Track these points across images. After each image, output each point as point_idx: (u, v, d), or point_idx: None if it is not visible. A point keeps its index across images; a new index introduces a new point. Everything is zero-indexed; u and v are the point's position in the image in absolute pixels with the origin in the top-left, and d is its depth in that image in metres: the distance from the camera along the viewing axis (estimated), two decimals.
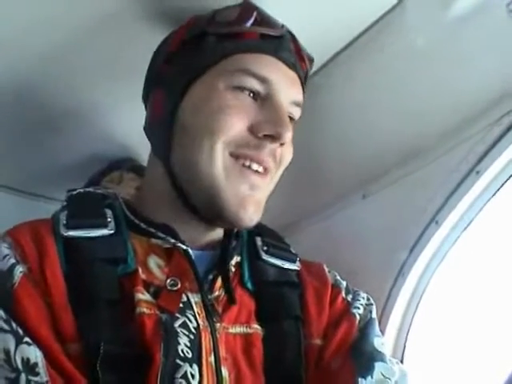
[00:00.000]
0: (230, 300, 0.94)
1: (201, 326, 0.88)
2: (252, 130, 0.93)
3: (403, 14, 1.13)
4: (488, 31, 1.07)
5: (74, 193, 1.01)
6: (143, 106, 1.08)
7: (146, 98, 1.06)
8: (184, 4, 1.07)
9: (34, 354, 0.78)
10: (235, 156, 0.94)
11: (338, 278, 1.08)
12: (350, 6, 1.12)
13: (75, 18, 1.08)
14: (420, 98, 1.20)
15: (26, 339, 0.79)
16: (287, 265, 1.04)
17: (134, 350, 0.83)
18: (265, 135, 0.93)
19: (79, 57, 1.17)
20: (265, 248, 1.03)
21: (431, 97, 1.18)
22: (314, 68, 1.14)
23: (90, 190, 1.04)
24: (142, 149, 1.35)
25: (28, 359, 0.77)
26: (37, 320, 0.81)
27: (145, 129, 1.05)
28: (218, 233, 1.02)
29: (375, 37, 1.18)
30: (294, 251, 1.08)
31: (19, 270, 0.85)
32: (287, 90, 0.97)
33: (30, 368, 0.77)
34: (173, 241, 0.93)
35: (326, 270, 1.08)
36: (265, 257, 1.02)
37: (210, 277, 0.95)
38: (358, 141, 1.33)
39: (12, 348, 0.78)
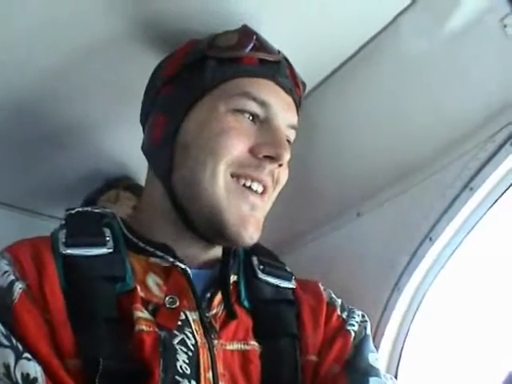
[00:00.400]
0: (231, 315, 0.98)
1: (199, 343, 0.92)
2: (252, 151, 1.00)
3: (396, 32, 1.19)
4: (481, 47, 1.13)
5: (73, 212, 1.05)
6: (140, 125, 1.13)
7: (144, 120, 1.12)
8: (178, 28, 1.13)
9: (34, 369, 0.81)
10: (236, 176, 1.00)
11: (333, 295, 1.12)
12: (343, 26, 1.18)
13: (75, 38, 1.14)
14: (413, 116, 1.25)
15: (26, 354, 0.82)
16: (283, 283, 1.09)
17: (133, 366, 0.87)
18: (265, 156, 1.00)
19: (78, 77, 1.22)
20: (261, 267, 1.08)
21: (424, 115, 1.23)
22: (308, 88, 1.19)
23: (89, 209, 1.08)
24: (138, 167, 1.40)
25: (28, 374, 0.81)
26: (36, 336, 0.85)
27: (143, 150, 1.10)
28: (215, 252, 1.07)
29: (369, 56, 1.24)
30: (289, 270, 1.13)
31: (19, 287, 0.88)
32: (284, 113, 1.04)
33: (30, 383, 0.80)
34: (171, 260, 0.98)
35: (321, 288, 1.13)
36: (261, 275, 1.07)
37: (208, 295, 0.99)
38: (352, 160, 1.39)
39: (12, 363, 0.81)
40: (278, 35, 1.10)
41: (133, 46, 1.16)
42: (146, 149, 1.10)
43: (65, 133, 1.36)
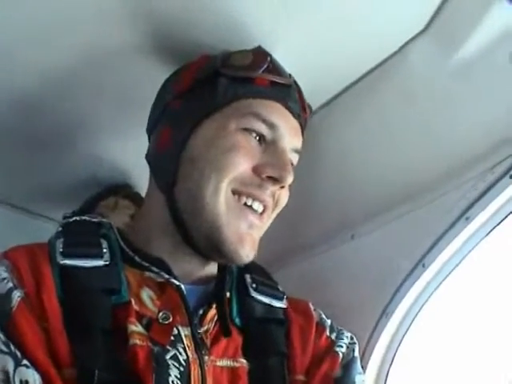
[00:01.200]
0: (226, 332, 1.04)
1: (190, 359, 0.98)
2: (256, 170, 1.05)
3: (404, 60, 1.25)
4: (489, 79, 1.18)
5: (71, 220, 1.10)
6: (145, 135, 1.18)
7: (151, 129, 1.17)
8: (190, 42, 1.17)
9: (33, 377, 0.86)
10: (238, 193, 1.05)
11: (323, 316, 1.18)
12: (351, 49, 1.24)
13: (84, 43, 1.17)
14: (416, 143, 1.31)
15: (25, 362, 0.87)
16: (274, 302, 1.14)
17: (127, 379, 0.92)
18: (268, 177, 1.06)
19: (85, 81, 1.26)
20: (254, 285, 1.14)
21: (427, 142, 1.29)
22: (315, 106, 1.25)
23: (86, 218, 1.12)
24: (139, 176, 1.45)
25: (27, 381, 0.86)
26: (34, 344, 0.89)
27: (147, 159, 1.15)
28: (211, 268, 1.12)
29: (375, 81, 1.30)
30: (281, 289, 1.19)
31: (17, 295, 0.93)
32: (291, 137, 1.10)
33: None
34: (166, 276, 1.03)
35: (312, 308, 1.19)
36: (253, 294, 1.13)
37: (201, 311, 1.05)
38: (351, 182, 1.44)
39: (11, 369, 0.86)
40: (290, 54, 1.16)
41: (143, 55, 1.20)
42: (151, 159, 1.15)
43: (68, 135, 1.39)
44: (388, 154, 1.36)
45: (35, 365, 0.88)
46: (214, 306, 1.06)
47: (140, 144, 1.17)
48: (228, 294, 1.11)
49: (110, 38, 1.17)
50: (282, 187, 1.08)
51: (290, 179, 1.06)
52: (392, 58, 1.27)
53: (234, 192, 1.05)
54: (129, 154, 1.40)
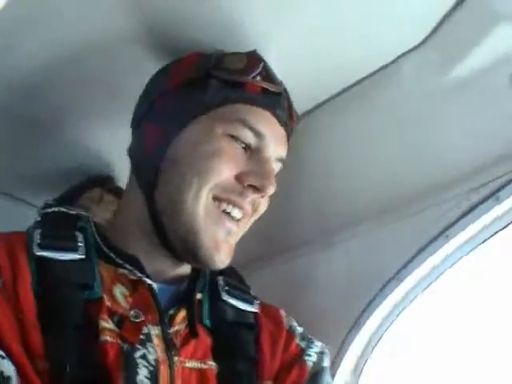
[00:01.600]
0: (193, 333, 1.05)
1: (160, 359, 0.98)
2: (239, 178, 1.06)
3: (397, 72, 1.26)
4: (484, 102, 1.20)
5: (49, 211, 1.11)
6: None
7: (136, 124, 1.16)
8: (183, 37, 1.17)
9: (8, 367, 0.87)
10: (218, 200, 1.06)
11: (294, 323, 1.20)
12: (344, 56, 1.25)
13: (77, 32, 1.16)
14: (400, 156, 1.32)
15: (0, 352, 0.87)
16: (246, 306, 1.15)
17: (97, 376, 0.93)
18: (250, 185, 1.06)
19: (75, 70, 1.25)
20: (226, 288, 1.15)
21: (411, 156, 1.30)
22: (302, 111, 1.26)
23: (64, 209, 1.12)
24: (121, 169, 1.44)
25: (2, 372, 0.86)
26: (9, 335, 0.90)
27: (130, 155, 1.15)
28: (184, 268, 1.13)
29: (365, 90, 1.31)
30: (253, 293, 1.19)
31: None
32: (276, 146, 1.10)
33: (5, 381, 0.85)
34: (139, 274, 1.04)
35: (283, 315, 1.20)
36: (225, 297, 1.13)
37: (172, 311, 1.05)
38: (332, 190, 1.45)
39: None
40: (282, 57, 1.17)
41: (135, 48, 1.19)
42: (134, 156, 1.14)
43: (56, 119, 1.38)
44: (370, 165, 1.37)
45: (10, 356, 0.88)
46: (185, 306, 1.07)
47: (127, 136, 1.16)
48: (200, 296, 1.12)
49: (103, 24, 1.15)
50: (263, 196, 1.09)
51: (271, 189, 1.07)
52: (385, 69, 1.28)
53: (215, 198, 1.06)
54: (115, 146, 1.37)
